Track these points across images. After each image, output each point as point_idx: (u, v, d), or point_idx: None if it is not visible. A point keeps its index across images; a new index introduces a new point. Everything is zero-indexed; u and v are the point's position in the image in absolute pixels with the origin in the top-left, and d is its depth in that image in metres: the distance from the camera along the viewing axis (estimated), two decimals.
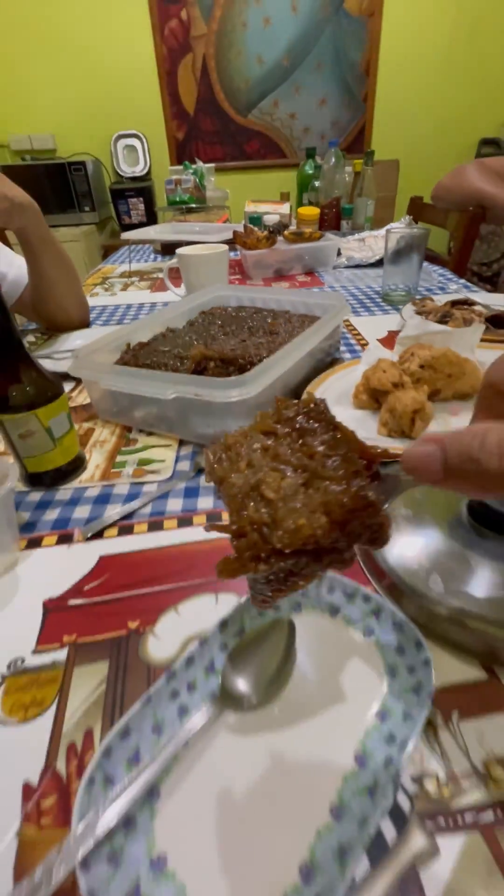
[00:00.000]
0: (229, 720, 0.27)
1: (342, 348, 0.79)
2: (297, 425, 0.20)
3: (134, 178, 2.70)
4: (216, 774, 0.25)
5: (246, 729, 0.27)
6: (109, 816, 0.22)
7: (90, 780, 0.23)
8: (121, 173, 2.70)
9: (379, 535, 0.18)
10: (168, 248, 1.54)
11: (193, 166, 1.65)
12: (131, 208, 2.63)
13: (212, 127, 2.76)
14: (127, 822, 0.23)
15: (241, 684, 0.28)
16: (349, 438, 0.19)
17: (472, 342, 0.60)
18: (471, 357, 0.56)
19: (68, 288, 0.86)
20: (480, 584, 0.32)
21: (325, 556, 0.17)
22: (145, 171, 2.71)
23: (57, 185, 2.48)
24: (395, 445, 0.48)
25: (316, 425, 0.19)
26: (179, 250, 0.99)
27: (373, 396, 0.55)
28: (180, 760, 0.25)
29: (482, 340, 0.65)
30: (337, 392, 0.60)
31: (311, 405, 0.20)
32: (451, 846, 0.22)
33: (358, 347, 0.80)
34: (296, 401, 0.21)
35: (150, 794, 0.24)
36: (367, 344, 0.80)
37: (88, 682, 0.30)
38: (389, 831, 0.22)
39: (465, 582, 0.32)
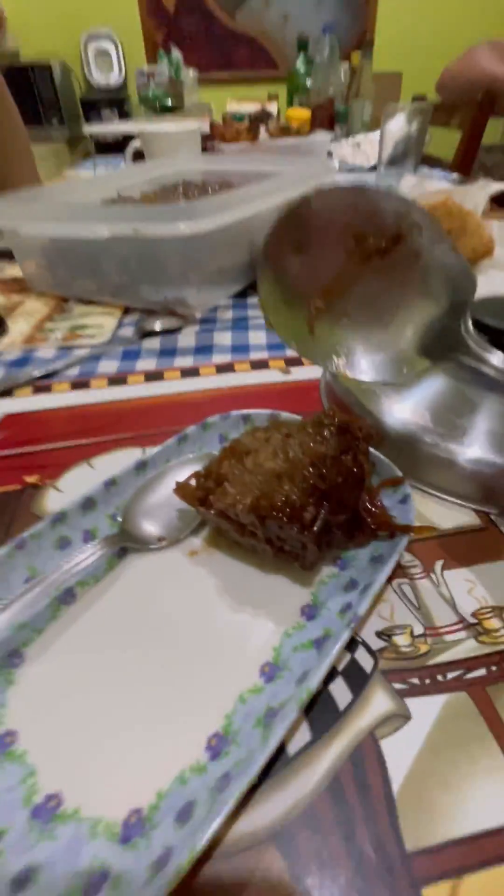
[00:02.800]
0: (130, 567, 0.20)
1: None
2: (324, 433, 0.20)
3: (108, 90, 2.42)
4: (106, 634, 0.18)
5: (152, 575, 0.20)
6: None
7: None
8: (93, 83, 2.42)
9: (299, 557, 0.18)
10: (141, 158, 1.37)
11: (168, 55, 1.45)
12: (104, 118, 2.37)
13: (195, 28, 2.45)
14: None
15: (149, 521, 0.21)
16: (361, 482, 0.20)
17: (478, 202, 0.50)
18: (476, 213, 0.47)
19: (16, 147, 0.73)
20: (481, 419, 0.24)
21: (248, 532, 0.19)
22: (120, 81, 2.43)
23: (19, 93, 2.20)
24: None
25: (336, 442, 0.20)
26: (142, 128, 0.85)
27: None
28: (59, 618, 0.18)
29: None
30: None
31: (359, 431, 0.20)
32: (427, 709, 0.15)
33: None
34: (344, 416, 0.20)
35: (11, 658, 0.17)
36: None
37: None
38: (343, 695, 0.16)
39: (462, 419, 0.25)
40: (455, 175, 1.01)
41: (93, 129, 1.21)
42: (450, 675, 0.16)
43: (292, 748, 0.15)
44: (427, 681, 0.16)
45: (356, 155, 1.29)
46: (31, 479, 0.26)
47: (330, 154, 1.23)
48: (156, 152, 0.86)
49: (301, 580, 0.19)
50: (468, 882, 0.12)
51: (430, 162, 1.24)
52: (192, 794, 0.13)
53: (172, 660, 0.17)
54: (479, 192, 0.51)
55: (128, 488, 0.23)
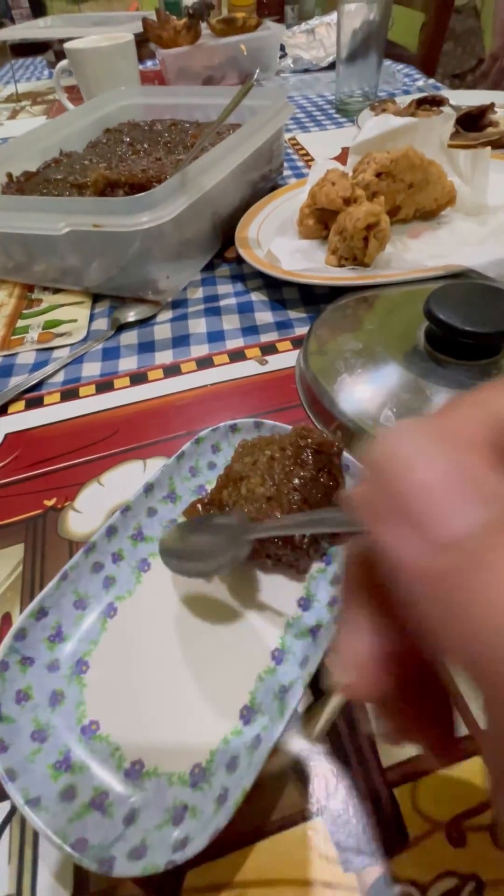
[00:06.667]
0: (154, 577, 0.25)
1: (287, 172, 0.65)
2: (302, 456, 0.24)
3: None
4: (149, 637, 0.23)
5: (179, 588, 0.24)
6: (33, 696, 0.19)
7: (1, 664, 0.21)
8: None
9: (294, 565, 0.24)
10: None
11: None
12: (12, 6, 1.99)
13: None
14: (53, 698, 0.21)
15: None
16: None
17: (442, 137, 0.49)
18: (438, 158, 0.46)
19: None
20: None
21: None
22: None
23: None
24: (347, 275, 0.41)
25: (313, 462, 0.24)
26: (68, 44, 0.74)
27: (321, 221, 0.46)
28: (107, 629, 0.23)
29: (449, 146, 0.53)
30: (279, 220, 0.49)
31: (332, 448, 0.24)
32: None
33: (306, 171, 0.66)
34: (318, 433, 0.24)
35: (79, 667, 0.22)
36: None
37: (2, 567, 0.26)
38: None
39: (421, 414, 0.28)
40: (423, 81, 0.93)
41: (6, 32, 1.03)
42: None
43: (300, 707, 0.20)
44: None
45: (311, 46, 1.15)
46: (49, 502, 0.29)
47: (283, 52, 1.09)
48: (87, 71, 0.77)
49: (296, 576, 0.24)
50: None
51: (393, 52, 1.11)
52: (234, 750, 0.19)
53: (202, 649, 0.22)
54: (443, 125, 0.49)
55: (141, 510, 0.26)
